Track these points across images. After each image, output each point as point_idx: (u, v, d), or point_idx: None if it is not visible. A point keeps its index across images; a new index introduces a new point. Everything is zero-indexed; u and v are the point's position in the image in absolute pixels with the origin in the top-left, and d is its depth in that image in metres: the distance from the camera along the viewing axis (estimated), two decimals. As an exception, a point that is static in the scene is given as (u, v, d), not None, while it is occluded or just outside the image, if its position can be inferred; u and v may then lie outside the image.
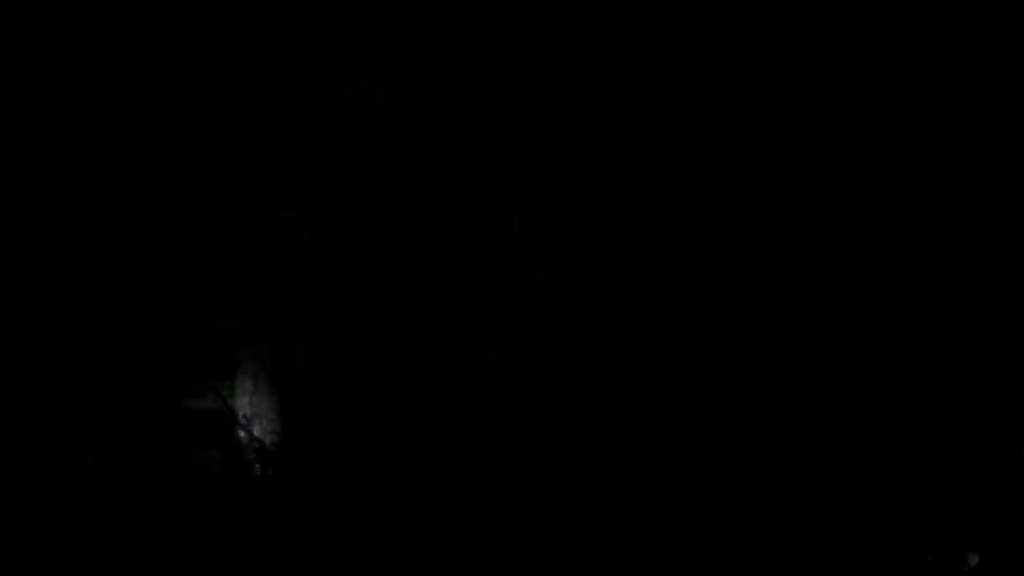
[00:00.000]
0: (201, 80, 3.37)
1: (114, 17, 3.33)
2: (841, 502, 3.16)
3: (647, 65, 3.39)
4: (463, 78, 3.39)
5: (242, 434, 3.27)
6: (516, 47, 3.40)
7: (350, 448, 3.28)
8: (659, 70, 3.39)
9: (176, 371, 3.32)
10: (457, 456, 3.27)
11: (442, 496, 3.24)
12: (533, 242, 3.38)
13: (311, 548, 3.16)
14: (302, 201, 3.38)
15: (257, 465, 3.26)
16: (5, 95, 3.29)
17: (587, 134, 3.41)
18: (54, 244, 3.29)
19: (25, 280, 3.26)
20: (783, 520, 3.16)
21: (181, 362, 3.32)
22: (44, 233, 3.29)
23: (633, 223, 3.39)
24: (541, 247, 3.38)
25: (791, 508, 3.17)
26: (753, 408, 3.27)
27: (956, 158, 3.29)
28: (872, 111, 3.33)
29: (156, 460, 3.21)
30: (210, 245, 3.36)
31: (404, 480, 3.26)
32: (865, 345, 3.27)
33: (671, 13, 3.37)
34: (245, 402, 3.31)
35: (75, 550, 3.05)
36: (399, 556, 3.18)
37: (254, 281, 3.36)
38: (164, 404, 3.28)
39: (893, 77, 3.33)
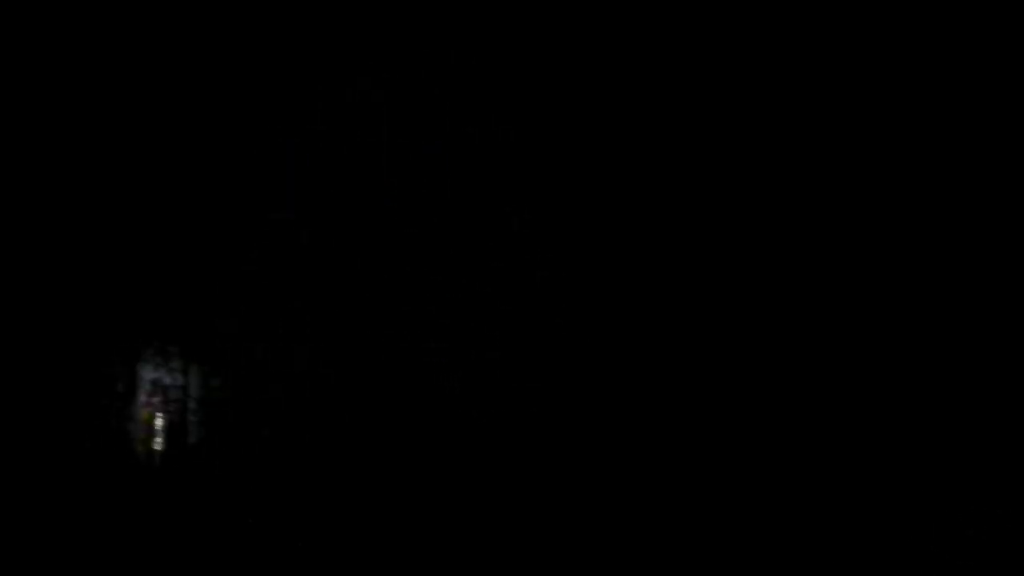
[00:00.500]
0: (201, 80, 3.38)
1: (114, 15, 3.33)
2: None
3: (647, 65, 3.40)
4: (463, 78, 3.40)
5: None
6: (516, 47, 3.41)
7: (349, 447, 3.29)
8: (659, 70, 3.39)
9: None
10: (457, 456, 3.28)
11: (441, 496, 3.25)
12: (533, 242, 3.39)
13: (306, 542, 3.17)
14: (302, 201, 3.38)
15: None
16: (6, 94, 3.29)
17: (587, 134, 3.41)
18: (54, 243, 3.30)
19: (27, 278, 3.27)
20: (792, 511, 3.17)
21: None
22: (45, 232, 3.30)
23: (633, 223, 3.39)
24: (541, 247, 3.38)
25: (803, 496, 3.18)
26: (755, 407, 3.27)
27: (956, 158, 3.30)
28: (872, 111, 3.33)
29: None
30: (210, 245, 3.36)
31: (403, 480, 3.26)
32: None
33: (671, 13, 3.38)
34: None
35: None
36: (398, 556, 3.18)
37: (254, 281, 3.36)
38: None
39: (893, 77, 3.33)
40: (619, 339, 3.36)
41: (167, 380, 3.32)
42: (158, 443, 3.28)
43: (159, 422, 3.30)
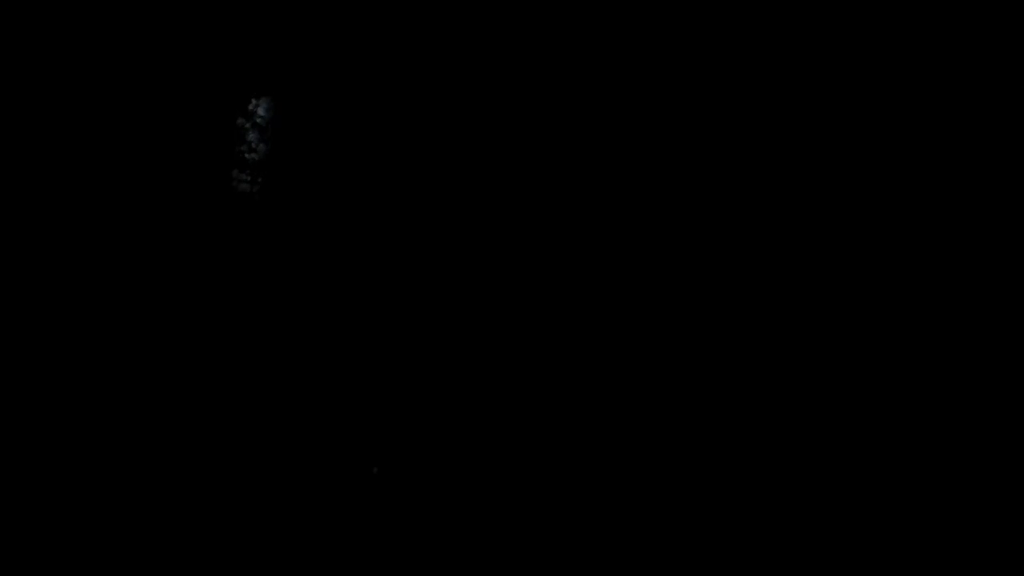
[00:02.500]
0: (200, 79, 3.37)
1: (112, 13, 3.33)
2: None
3: (647, 65, 3.40)
4: (463, 78, 3.40)
5: None
6: (516, 47, 3.41)
7: (349, 447, 3.28)
8: (659, 70, 3.40)
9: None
10: (457, 456, 3.27)
11: (442, 496, 3.24)
12: (533, 242, 3.38)
13: (310, 543, 3.16)
14: (301, 200, 3.38)
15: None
16: (5, 91, 3.29)
17: (587, 134, 3.41)
18: (52, 243, 3.29)
19: (25, 279, 3.26)
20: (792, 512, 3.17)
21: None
22: (43, 232, 3.29)
23: (634, 223, 3.39)
24: (541, 247, 3.38)
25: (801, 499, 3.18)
26: (755, 406, 3.27)
27: (956, 158, 3.31)
28: (872, 111, 3.34)
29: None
30: (210, 244, 3.36)
31: (404, 480, 3.26)
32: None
33: (671, 13, 3.38)
34: None
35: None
36: (398, 557, 3.18)
37: (254, 279, 3.35)
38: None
39: (893, 77, 3.34)
40: (619, 339, 3.36)
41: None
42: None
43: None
